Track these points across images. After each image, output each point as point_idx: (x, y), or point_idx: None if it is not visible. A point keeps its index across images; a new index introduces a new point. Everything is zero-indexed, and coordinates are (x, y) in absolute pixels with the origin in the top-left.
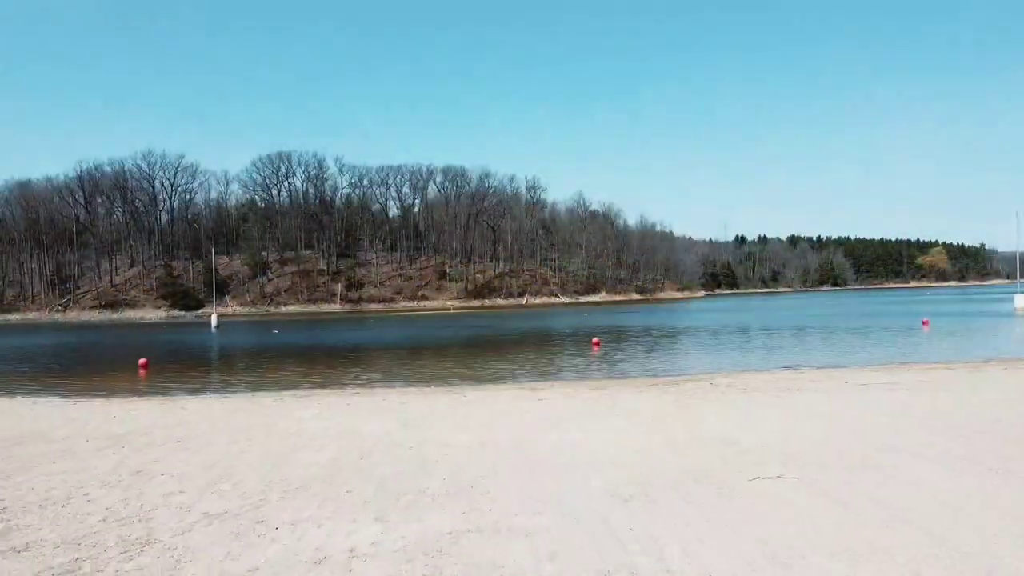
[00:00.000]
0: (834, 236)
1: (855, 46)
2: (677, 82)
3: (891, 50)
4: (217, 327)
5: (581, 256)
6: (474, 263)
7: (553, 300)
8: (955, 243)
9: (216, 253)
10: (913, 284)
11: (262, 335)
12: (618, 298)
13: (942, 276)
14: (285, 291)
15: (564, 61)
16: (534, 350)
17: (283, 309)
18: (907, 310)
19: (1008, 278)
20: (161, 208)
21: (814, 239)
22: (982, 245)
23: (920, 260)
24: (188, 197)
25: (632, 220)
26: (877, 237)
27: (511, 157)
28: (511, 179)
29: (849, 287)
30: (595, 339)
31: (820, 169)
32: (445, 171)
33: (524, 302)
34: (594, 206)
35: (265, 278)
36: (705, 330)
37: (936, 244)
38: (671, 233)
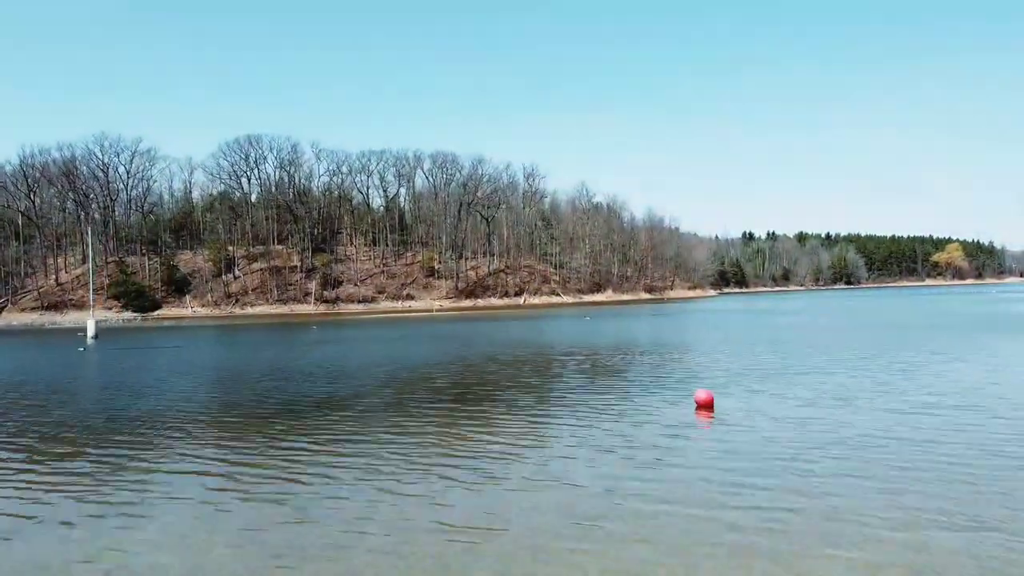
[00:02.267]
0: (843, 233)
1: (864, 35)
2: (681, 70)
3: (901, 40)
4: (95, 337)
5: (584, 251)
6: (466, 259)
7: (554, 300)
8: (970, 240)
9: (178, 247)
10: (929, 282)
11: (147, 354)
12: (625, 297)
13: (959, 274)
14: (253, 290)
15: (564, 45)
16: (552, 415)
17: (249, 310)
18: None
19: (1023, 276)
20: (115, 198)
21: (822, 236)
22: (990, 243)
23: (936, 257)
24: (146, 186)
25: (639, 214)
26: (887, 234)
27: (506, 144)
28: (507, 166)
29: (863, 285)
30: (702, 394)
31: (827, 163)
32: (434, 157)
33: (522, 302)
34: (598, 198)
35: (231, 276)
36: (845, 356)
37: (951, 241)
38: (678, 229)
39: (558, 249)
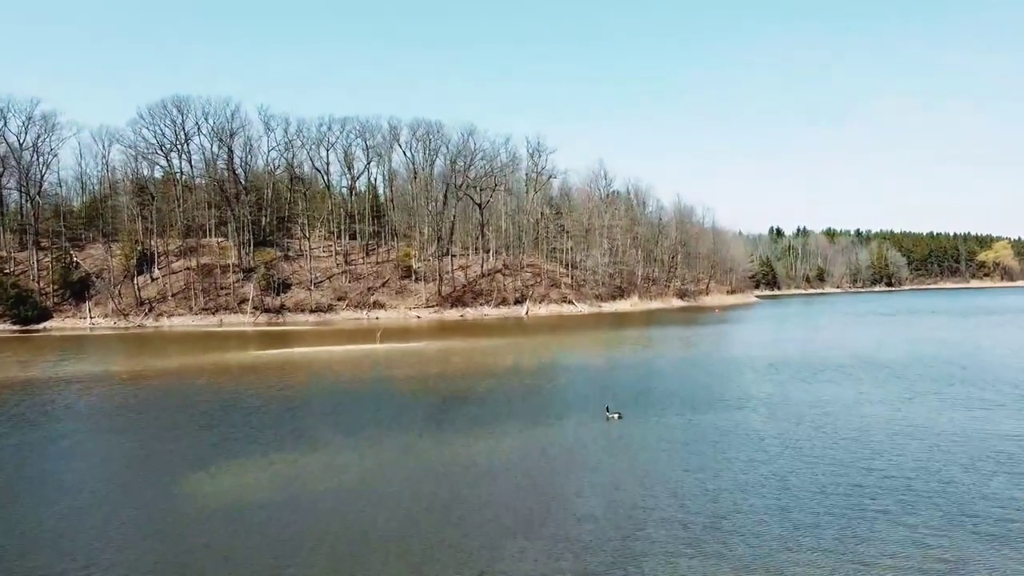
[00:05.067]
0: (875, 229)
1: (885, 26)
2: (689, 57)
3: (928, 28)
4: None
5: (603, 248)
6: (453, 256)
7: (565, 310)
8: (1017, 238)
9: (88, 241)
10: (975, 283)
11: None
12: (653, 305)
13: (1007, 274)
14: (174, 295)
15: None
16: None
17: (167, 322)
18: None
19: None
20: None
21: (852, 232)
22: None
23: (982, 256)
24: (43, 161)
25: (666, 203)
26: (923, 230)
27: (503, 118)
28: (506, 140)
29: (905, 287)
30: None
31: (849, 156)
32: (413, 126)
33: (524, 314)
34: (617, 183)
35: (147, 276)
36: None
37: (996, 239)
38: (712, 223)
39: (570, 244)
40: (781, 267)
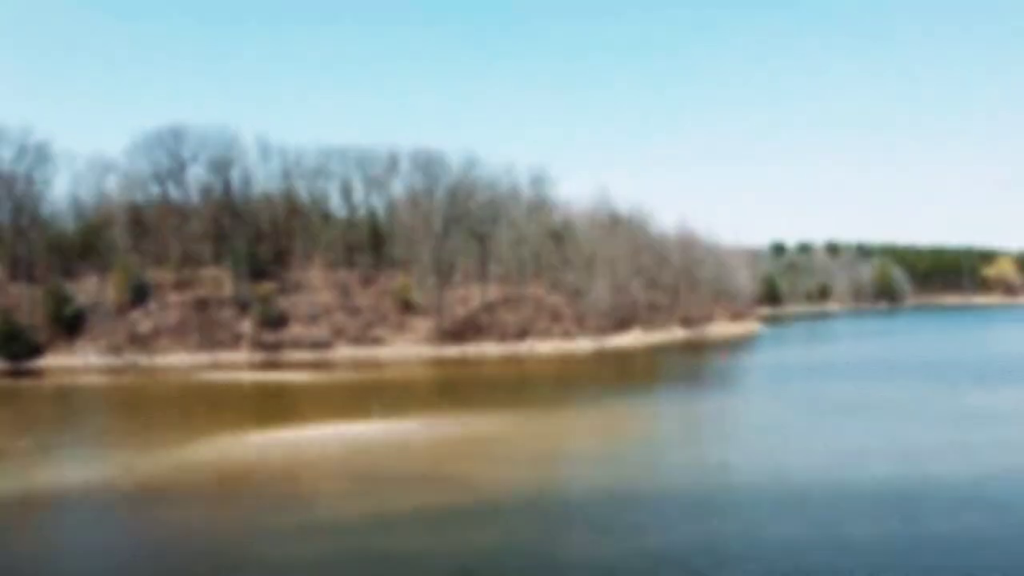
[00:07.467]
0: (877, 242)
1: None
2: (686, 57)
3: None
4: None
5: (606, 277)
6: (454, 287)
7: (567, 346)
8: (1018, 251)
9: (83, 273)
10: (978, 300)
11: None
12: (657, 337)
13: (1010, 290)
14: (169, 331)
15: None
16: None
17: (161, 360)
18: None
19: None
20: None
21: (854, 245)
22: None
23: (986, 271)
24: (36, 191)
25: (667, 225)
26: (926, 243)
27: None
28: (508, 169)
29: (909, 304)
30: None
31: (851, 164)
32: (413, 156)
33: (526, 351)
34: (619, 208)
35: (142, 310)
36: None
37: (999, 253)
38: (716, 243)
39: (573, 275)
40: (783, 284)
